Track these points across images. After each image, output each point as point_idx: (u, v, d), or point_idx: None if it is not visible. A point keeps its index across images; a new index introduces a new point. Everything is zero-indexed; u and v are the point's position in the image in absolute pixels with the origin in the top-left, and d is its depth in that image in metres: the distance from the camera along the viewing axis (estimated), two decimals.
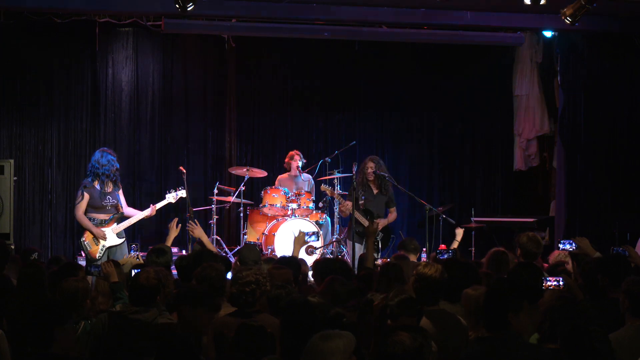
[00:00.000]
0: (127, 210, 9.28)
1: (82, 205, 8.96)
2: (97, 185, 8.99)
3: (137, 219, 9.30)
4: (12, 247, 9.33)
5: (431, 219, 10.50)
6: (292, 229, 10.04)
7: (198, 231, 7.70)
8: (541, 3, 9.31)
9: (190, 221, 7.94)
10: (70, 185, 11.58)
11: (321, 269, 6.39)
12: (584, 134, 12.17)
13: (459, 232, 8.62)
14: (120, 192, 9.30)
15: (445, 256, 7.02)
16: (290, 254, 7.48)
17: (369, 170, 9.90)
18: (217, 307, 4.89)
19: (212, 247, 7.51)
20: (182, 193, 9.54)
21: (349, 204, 9.65)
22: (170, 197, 9.48)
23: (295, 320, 4.31)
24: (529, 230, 8.41)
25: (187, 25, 11.30)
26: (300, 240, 7.73)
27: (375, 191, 9.99)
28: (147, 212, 9.27)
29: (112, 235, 9.00)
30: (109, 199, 9.02)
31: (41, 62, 11.51)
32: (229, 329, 4.59)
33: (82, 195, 8.96)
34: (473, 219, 11.46)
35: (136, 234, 11.56)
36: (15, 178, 10.40)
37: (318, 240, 8.73)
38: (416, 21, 11.55)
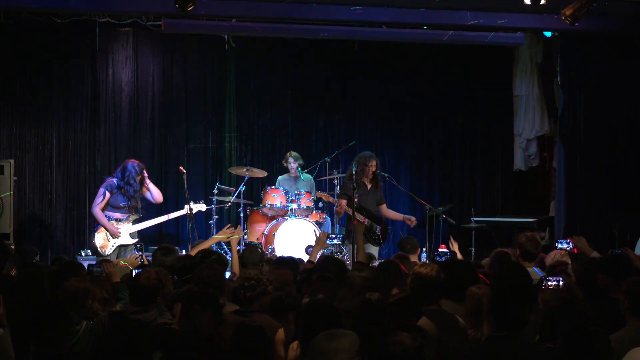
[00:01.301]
0: (157, 196, 9.44)
1: (101, 204, 9.12)
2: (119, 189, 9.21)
3: (154, 223, 9.58)
4: (12, 247, 9.34)
5: (431, 218, 10.50)
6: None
7: (235, 240, 7.49)
8: (541, 3, 9.33)
9: (239, 226, 7.90)
10: (70, 185, 11.57)
11: (317, 268, 6.40)
12: (584, 134, 12.16)
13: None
14: (149, 188, 9.43)
15: (443, 258, 7.03)
16: (295, 257, 7.45)
17: (372, 168, 9.88)
18: (221, 320, 4.87)
19: (236, 261, 7.24)
20: (202, 207, 9.71)
21: (343, 203, 9.68)
22: (187, 209, 9.60)
23: (318, 321, 4.31)
24: (529, 230, 8.42)
25: (187, 25, 11.29)
26: (321, 241, 7.65)
27: (368, 186, 9.97)
28: (179, 213, 9.57)
29: (125, 235, 9.16)
30: (127, 201, 9.18)
31: (41, 62, 11.50)
32: (227, 328, 4.61)
33: (104, 195, 9.15)
34: (473, 219, 11.46)
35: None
36: (15, 178, 10.41)
37: (338, 245, 8.79)
38: (416, 21, 11.55)
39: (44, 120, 11.53)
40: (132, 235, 9.27)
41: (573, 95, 12.19)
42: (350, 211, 9.47)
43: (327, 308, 4.51)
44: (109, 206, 9.23)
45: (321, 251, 9.98)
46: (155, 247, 7.18)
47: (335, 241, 7.87)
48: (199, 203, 9.83)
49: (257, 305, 5.13)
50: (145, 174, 9.45)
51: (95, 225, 9.37)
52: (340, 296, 5.35)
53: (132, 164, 9.44)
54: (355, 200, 9.53)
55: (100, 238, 9.13)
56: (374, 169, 9.89)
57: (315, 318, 4.36)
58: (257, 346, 4.17)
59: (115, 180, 9.31)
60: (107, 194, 9.17)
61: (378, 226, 9.95)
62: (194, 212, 9.66)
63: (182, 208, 9.98)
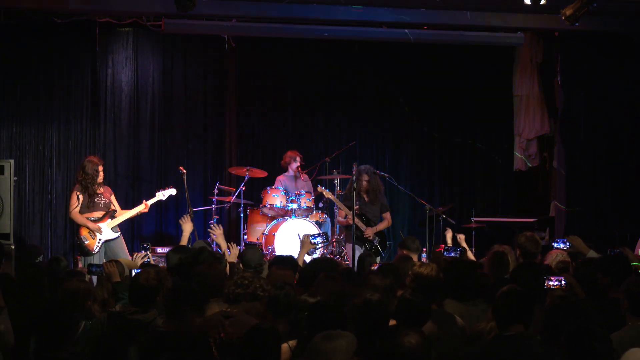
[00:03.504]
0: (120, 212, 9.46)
1: (77, 208, 9.18)
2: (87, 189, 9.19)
3: (131, 215, 9.52)
4: (12, 247, 9.33)
5: (431, 218, 10.50)
6: (297, 232, 10.02)
7: (220, 238, 7.54)
8: (541, 3, 9.32)
9: (213, 225, 7.89)
10: (70, 185, 11.54)
11: (307, 270, 6.38)
12: (584, 133, 12.17)
13: (453, 236, 8.50)
14: (113, 195, 9.46)
15: (453, 254, 6.97)
16: (296, 257, 7.41)
17: (364, 184, 9.89)
18: (201, 311, 4.91)
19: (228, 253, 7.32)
20: (172, 191, 9.72)
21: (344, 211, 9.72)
22: (160, 195, 9.64)
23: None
24: (529, 230, 8.41)
25: (187, 25, 11.28)
26: (305, 244, 7.65)
27: (366, 199, 10.01)
28: (140, 208, 9.43)
29: (107, 230, 9.20)
30: (100, 197, 9.24)
31: (41, 62, 11.50)
32: (211, 327, 4.69)
33: (78, 199, 9.17)
34: (473, 219, 11.46)
35: (136, 233, 11.57)
36: (15, 178, 10.39)
37: (327, 241, 8.75)
38: (416, 21, 11.54)
39: (44, 120, 11.53)
40: (113, 229, 9.31)
41: (573, 95, 12.20)
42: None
43: (333, 309, 4.49)
44: (83, 208, 9.22)
45: (321, 252, 10.04)
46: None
47: (319, 239, 7.83)
48: (169, 189, 9.76)
49: (246, 307, 5.10)
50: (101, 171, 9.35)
51: (77, 228, 9.34)
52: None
53: (87, 159, 9.46)
54: (356, 207, 9.54)
55: (85, 238, 9.18)
56: (365, 186, 9.89)
57: (320, 319, 4.34)
58: (271, 348, 4.11)
59: (78, 187, 9.32)
60: (79, 198, 9.20)
61: (377, 237, 9.95)
62: (164, 198, 9.67)
63: (184, 210, 9.94)
